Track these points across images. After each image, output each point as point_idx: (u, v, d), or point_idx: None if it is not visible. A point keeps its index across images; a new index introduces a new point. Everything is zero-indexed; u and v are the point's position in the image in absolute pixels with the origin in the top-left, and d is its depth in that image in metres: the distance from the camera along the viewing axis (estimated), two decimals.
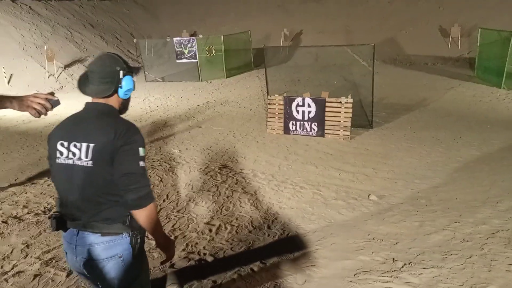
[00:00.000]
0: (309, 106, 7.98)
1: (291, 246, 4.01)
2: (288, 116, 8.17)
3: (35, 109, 1.88)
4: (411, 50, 16.67)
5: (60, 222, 1.98)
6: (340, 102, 7.77)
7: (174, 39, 15.30)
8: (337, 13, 19.97)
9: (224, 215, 4.73)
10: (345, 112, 7.73)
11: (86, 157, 1.85)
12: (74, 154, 1.88)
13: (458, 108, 9.52)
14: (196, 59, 15.01)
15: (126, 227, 1.93)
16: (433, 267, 3.56)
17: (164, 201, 5.20)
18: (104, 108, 1.96)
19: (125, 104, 2.07)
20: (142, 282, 2.12)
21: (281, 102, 8.24)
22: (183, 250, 4.00)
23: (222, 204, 5.03)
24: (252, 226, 4.47)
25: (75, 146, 1.88)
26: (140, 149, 1.89)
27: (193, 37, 15.83)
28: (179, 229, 4.42)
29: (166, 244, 2.09)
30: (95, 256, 1.92)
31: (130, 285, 2.03)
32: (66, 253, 2.03)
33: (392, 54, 16.75)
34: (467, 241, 4.00)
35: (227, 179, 5.87)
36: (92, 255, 1.92)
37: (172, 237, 4.27)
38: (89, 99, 2.03)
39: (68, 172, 1.90)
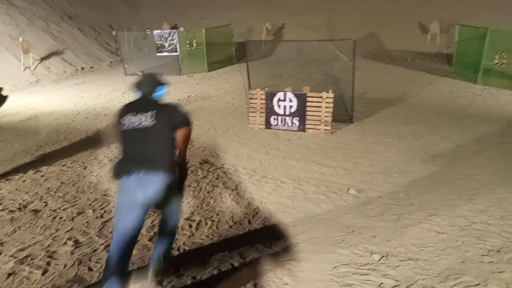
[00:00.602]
0: (290, 100, 7.99)
1: (271, 241, 4.02)
2: (269, 111, 8.17)
3: None
4: (392, 45, 16.88)
5: (123, 171, 2.92)
6: (321, 97, 7.80)
7: (154, 31, 15.06)
8: (320, 8, 20.02)
9: (205, 211, 4.71)
10: (326, 107, 7.78)
11: (151, 121, 2.97)
12: (141, 121, 2.97)
13: (436, 103, 9.70)
14: (177, 52, 14.82)
15: (171, 168, 2.96)
16: (410, 259, 3.64)
17: None
18: (151, 98, 3.19)
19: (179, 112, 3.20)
20: (180, 201, 3.41)
21: (263, 97, 8.22)
22: None
23: (203, 200, 5.00)
24: (233, 221, 4.46)
25: (141, 114, 3.00)
26: (183, 110, 3.15)
27: (174, 30, 15.61)
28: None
29: (183, 162, 3.10)
30: (157, 187, 2.88)
31: (176, 204, 3.25)
32: (131, 192, 2.90)
33: (373, 49, 16.92)
34: (443, 233, 4.09)
35: (208, 174, 5.84)
36: (155, 187, 2.88)
37: (151, 233, 4.22)
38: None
39: (137, 132, 2.96)
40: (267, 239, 4.06)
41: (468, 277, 3.37)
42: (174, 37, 14.78)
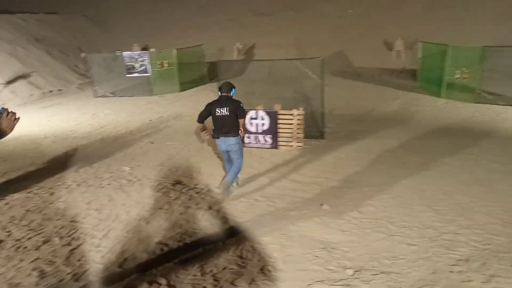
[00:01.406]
0: (262, 118, 8.05)
1: (245, 261, 3.98)
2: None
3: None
4: (359, 62, 17.39)
5: (216, 135, 5.54)
6: (292, 114, 7.91)
7: (125, 53, 14.96)
8: (289, 28, 20.49)
9: (177, 233, 4.62)
10: (297, 124, 7.88)
11: (227, 111, 5.40)
12: (222, 111, 5.42)
13: (404, 117, 10.02)
14: (148, 73, 14.74)
15: (238, 133, 5.52)
16: (383, 272, 3.67)
17: (113, 221, 4.99)
18: (228, 98, 5.52)
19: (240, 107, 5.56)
20: (241, 150, 5.70)
21: None
22: (133, 272, 3.85)
23: (175, 222, 4.91)
24: (207, 242, 4.38)
25: (222, 108, 5.43)
26: (242, 106, 5.57)
27: (145, 51, 15.55)
28: (129, 251, 4.25)
29: (243, 130, 5.67)
30: (232, 143, 5.53)
31: (241, 154, 5.69)
32: (220, 145, 5.65)
33: (341, 66, 17.38)
34: (414, 245, 4.17)
35: (181, 195, 5.76)
36: (231, 143, 5.53)
37: (121, 259, 4.09)
38: None
39: (221, 117, 5.43)
40: (241, 259, 4.01)
41: (439, 287, 3.43)
42: (145, 58, 14.71)
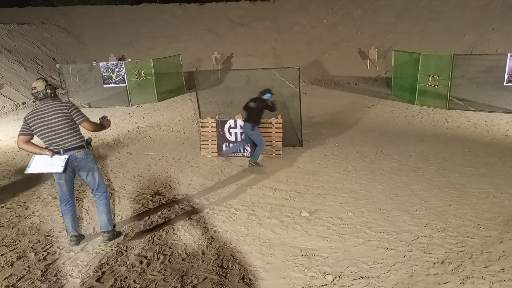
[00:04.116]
0: (241, 127, 8.08)
1: (226, 271, 3.96)
2: (221, 138, 8.20)
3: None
4: (335, 71, 17.75)
5: (245, 121, 7.31)
6: (271, 123, 7.98)
7: (101, 63, 14.77)
8: (265, 37, 20.72)
9: (156, 245, 4.56)
10: (276, 132, 7.95)
11: (255, 105, 7.14)
12: (252, 103, 7.19)
13: (379, 124, 10.26)
14: (124, 83, 14.59)
15: (256, 123, 7.16)
16: (362, 277, 3.73)
17: (90, 234, 4.89)
18: (260, 97, 7.24)
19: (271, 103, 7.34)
20: (258, 133, 7.35)
21: (214, 125, 8.26)
22: (111, 286, 3.77)
23: (154, 233, 4.84)
24: (186, 254, 4.35)
25: (253, 102, 7.20)
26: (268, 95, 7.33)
27: (121, 61, 15.40)
28: (107, 264, 4.17)
29: (274, 107, 7.50)
30: (248, 130, 7.22)
31: (257, 134, 7.30)
32: (244, 129, 7.45)
33: (318, 75, 17.69)
34: (391, 249, 4.26)
35: (160, 206, 5.70)
36: (248, 129, 7.21)
37: (99, 273, 4.00)
38: None
39: (249, 108, 7.19)
40: (222, 269, 3.99)
41: None
42: (121, 68, 14.57)
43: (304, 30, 20.65)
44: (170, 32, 22.26)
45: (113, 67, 14.70)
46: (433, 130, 9.40)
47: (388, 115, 11.15)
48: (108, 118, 4.61)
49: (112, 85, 14.72)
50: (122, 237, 4.74)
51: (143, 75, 14.94)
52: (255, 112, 7.17)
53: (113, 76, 14.64)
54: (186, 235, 4.78)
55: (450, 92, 11.31)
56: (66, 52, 20.89)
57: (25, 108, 15.07)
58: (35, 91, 4.25)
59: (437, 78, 11.55)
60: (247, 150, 8.03)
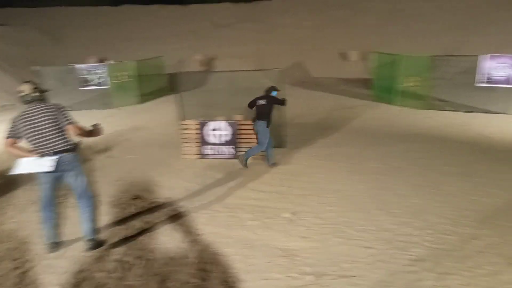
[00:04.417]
0: (223, 129, 8.08)
1: (208, 274, 3.95)
2: (203, 141, 8.18)
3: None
4: (317, 72, 17.90)
5: (254, 120, 7.30)
6: (253, 124, 7.98)
7: (81, 65, 14.54)
8: (248, 39, 20.76)
9: (137, 249, 4.51)
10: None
11: (265, 102, 7.21)
12: (262, 101, 7.22)
13: (361, 124, 10.39)
14: (106, 85, 14.38)
15: (268, 120, 7.18)
16: (342, 276, 3.78)
17: (69, 240, 4.80)
18: (268, 95, 7.31)
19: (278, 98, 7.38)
20: (268, 131, 7.25)
21: (196, 127, 8.23)
22: None
23: (135, 238, 4.79)
24: (168, 257, 4.32)
25: (262, 99, 7.26)
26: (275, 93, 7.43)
27: (103, 63, 15.18)
28: (86, 270, 4.10)
29: (284, 101, 7.63)
30: (261, 128, 7.15)
31: (267, 132, 7.19)
32: (257, 126, 7.25)
33: (301, 77, 17.80)
34: (371, 248, 4.32)
35: (141, 210, 5.64)
36: (262, 126, 7.14)
37: (79, 280, 3.94)
38: None
39: (260, 106, 7.24)
40: (203, 272, 3.98)
41: (395, 287, 3.57)
42: (103, 70, 14.36)
43: (287, 31, 20.77)
44: (152, 33, 22.08)
45: (94, 69, 14.49)
46: (413, 130, 9.57)
47: (369, 115, 11.30)
48: (100, 127, 4.54)
49: (93, 87, 14.50)
50: (106, 245, 4.66)
51: (125, 77, 14.76)
52: (267, 109, 7.19)
53: (95, 78, 14.42)
54: (167, 239, 4.74)
55: (429, 92, 11.53)
56: (45, 54, 20.48)
57: (3, 111, 14.71)
58: (23, 94, 4.16)
59: (417, 79, 11.76)
60: (230, 152, 8.02)
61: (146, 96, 15.28)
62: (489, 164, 6.98)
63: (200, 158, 8.10)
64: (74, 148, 4.26)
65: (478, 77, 10.91)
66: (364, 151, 8.06)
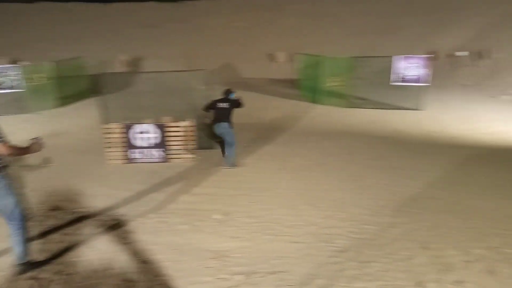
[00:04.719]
0: (150, 132, 7.83)
1: (134, 284, 3.79)
2: (129, 144, 7.85)
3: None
4: (247, 73, 18.11)
5: (216, 123, 7.37)
6: (182, 126, 7.86)
7: None
8: (176, 39, 20.37)
9: (57, 264, 4.19)
10: (187, 136, 7.85)
11: (227, 105, 7.40)
12: (223, 104, 7.43)
13: (289, 123, 10.71)
14: (20, 88, 13.18)
15: (230, 121, 7.45)
16: (272, 273, 3.85)
17: None
18: (229, 98, 7.59)
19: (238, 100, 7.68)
20: (232, 131, 7.49)
21: (121, 130, 7.87)
22: None
23: (53, 252, 4.45)
24: (91, 270, 4.07)
25: (223, 102, 7.44)
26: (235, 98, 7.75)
27: (15, 65, 13.89)
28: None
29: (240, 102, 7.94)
30: (226, 129, 7.37)
31: (229, 132, 7.41)
32: (216, 131, 7.43)
33: (230, 77, 17.85)
34: (299, 242, 4.46)
35: (60, 222, 5.24)
36: (226, 128, 7.34)
37: None
38: None
39: (221, 109, 7.38)
40: (129, 283, 3.81)
41: (321, 279, 3.73)
42: (16, 72, 13.13)
43: (215, 32, 20.74)
44: (70, 32, 20.71)
45: (5, 71, 13.20)
46: (336, 127, 10.09)
47: (296, 114, 11.69)
48: (40, 142, 4.05)
49: (5, 91, 13.21)
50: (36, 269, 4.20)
51: (41, 79, 13.66)
52: (227, 111, 7.41)
53: (6, 81, 13.14)
54: (90, 251, 4.46)
55: (350, 92, 12.25)
56: None
57: None
58: None
59: (338, 79, 12.43)
60: (158, 155, 7.80)
61: (67, 99, 14.29)
62: (403, 156, 7.60)
63: (127, 163, 7.77)
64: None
65: (392, 76, 11.81)
66: (292, 149, 8.31)
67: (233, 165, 7.39)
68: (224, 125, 7.33)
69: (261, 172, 7.03)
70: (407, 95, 11.81)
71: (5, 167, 3.90)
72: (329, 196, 5.79)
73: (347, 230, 4.74)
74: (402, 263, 4.02)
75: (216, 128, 7.41)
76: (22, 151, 3.96)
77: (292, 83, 16.68)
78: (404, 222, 4.94)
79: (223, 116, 7.37)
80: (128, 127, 7.84)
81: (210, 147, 8.51)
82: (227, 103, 7.44)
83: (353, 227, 4.81)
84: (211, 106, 7.53)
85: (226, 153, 7.46)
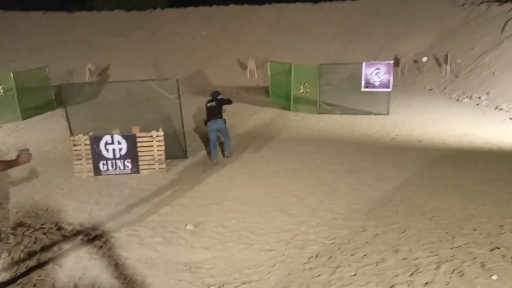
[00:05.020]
0: (119, 143, 7.63)
1: None
2: (97, 156, 7.62)
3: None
4: (217, 81, 18.06)
5: (209, 121, 8.19)
6: (152, 136, 7.72)
7: None
8: (144, 48, 20.10)
9: (18, 284, 3.98)
10: (157, 145, 7.71)
11: (215, 103, 8.24)
12: (211, 103, 8.28)
13: (260, 130, 10.73)
14: None
15: (222, 118, 8.27)
16: (244, 283, 3.81)
17: None
18: (216, 97, 8.44)
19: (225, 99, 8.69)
20: (226, 128, 8.43)
21: (88, 142, 7.64)
22: None
23: (16, 271, 4.23)
24: None
25: (211, 102, 8.30)
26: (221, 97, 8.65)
27: None
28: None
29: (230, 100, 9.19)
30: (219, 123, 8.12)
31: (225, 128, 8.32)
32: (210, 128, 8.14)
33: (201, 85, 17.78)
34: (272, 250, 4.44)
35: (23, 239, 5.00)
36: (221, 124, 8.15)
37: None
38: None
39: (210, 108, 8.26)
40: None
41: (294, 287, 3.72)
42: None
43: (184, 41, 20.61)
44: (33, 42, 20.03)
45: None
46: (307, 134, 10.19)
47: (268, 121, 11.73)
48: (28, 153, 3.85)
49: None
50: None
51: (1, 90, 13.11)
52: (218, 109, 8.23)
53: None
54: (55, 268, 4.28)
55: (319, 98, 12.43)
56: None
57: None
58: None
59: (308, 85, 12.59)
60: (128, 167, 7.62)
61: (29, 111, 13.76)
62: (372, 160, 7.75)
63: (95, 176, 7.53)
64: None
65: (361, 82, 12.06)
66: (263, 156, 8.32)
67: (230, 154, 8.39)
68: (219, 121, 8.12)
69: (231, 180, 6.99)
70: (375, 101, 12.09)
71: None
72: (301, 202, 5.82)
73: (320, 235, 4.77)
74: (374, 266, 4.06)
75: (212, 125, 8.10)
76: (11, 164, 3.80)
77: (263, 91, 16.76)
78: (375, 226, 5.01)
79: (214, 113, 8.17)
80: (96, 139, 7.61)
81: (181, 157, 8.40)
82: (215, 102, 8.25)
83: (326, 232, 4.84)
84: (206, 108, 8.49)
85: (223, 145, 8.49)
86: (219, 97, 8.44)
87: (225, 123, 8.28)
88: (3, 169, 3.71)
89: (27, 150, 3.88)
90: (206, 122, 8.36)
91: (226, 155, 8.36)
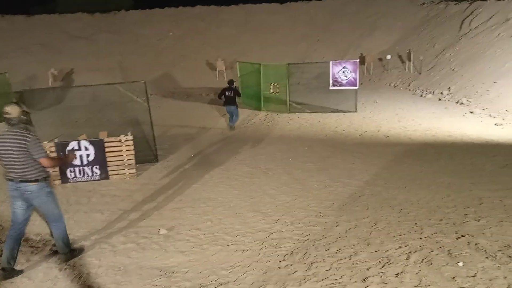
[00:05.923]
0: (86, 149, 7.42)
1: None
2: (63, 163, 7.37)
3: None
4: (186, 83, 17.91)
5: (226, 105, 11.25)
6: (120, 140, 7.55)
7: None
8: (109, 51, 19.63)
9: None
10: (127, 150, 7.55)
11: (232, 93, 11.02)
12: (229, 92, 10.98)
13: (231, 131, 10.72)
14: None
15: (236, 105, 11.26)
16: (221, 284, 3.80)
17: None
18: (232, 87, 11.29)
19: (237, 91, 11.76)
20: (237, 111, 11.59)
21: (53, 149, 7.37)
22: None
23: None
24: None
25: (229, 91, 11.02)
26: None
27: None
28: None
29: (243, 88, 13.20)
30: (234, 110, 11.16)
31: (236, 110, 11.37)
32: (227, 109, 11.19)
33: (170, 87, 17.58)
34: (247, 250, 4.45)
35: None
36: (234, 109, 11.15)
37: None
38: None
39: (228, 97, 11.01)
40: None
41: (271, 285, 3.74)
42: None
43: (151, 42, 20.30)
44: None
45: None
46: (278, 133, 10.29)
47: (239, 122, 11.74)
48: (74, 153, 4.66)
49: None
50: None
51: None
52: (233, 97, 10.82)
53: None
54: (23, 281, 4.11)
55: (289, 97, 12.56)
56: None
57: None
58: (9, 116, 4.10)
59: (277, 85, 12.70)
60: (96, 173, 7.42)
61: None
62: (342, 157, 7.91)
63: (62, 183, 7.29)
64: (41, 179, 4.17)
65: (329, 81, 12.29)
66: (236, 156, 8.32)
67: (234, 128, 10.91)
68: (233, 107, 10.84)
69: (205, 182, 6.94)
70: (343, 99, 12.35)
71: (48, 177, 4.29)
72: (275, 201, 5.86)
73: (294, 233, 4.82)
74: (347, 260, 4.15)
75: (229, 108, 10.92)
76: (60, 162, 4.88)
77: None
78: (347, 220, 5.12)
79: (230, 101, 10.79)
80: (63, 145, 7.37)
81: (151, 161, 8.27)
82: (231, 92, 10.81)
83: (300, 229, 4.90)
84: (222, 93, 10.94)
85: (233, 121, 11.02)
86: (234, 85, 11.04)
87: (237, 108, 10.96)
88: (57, 166, 4.65)
89: (74, 150, 5.06)
90: (224, 103, 10.98)
91: (232, 127, 10.87)
